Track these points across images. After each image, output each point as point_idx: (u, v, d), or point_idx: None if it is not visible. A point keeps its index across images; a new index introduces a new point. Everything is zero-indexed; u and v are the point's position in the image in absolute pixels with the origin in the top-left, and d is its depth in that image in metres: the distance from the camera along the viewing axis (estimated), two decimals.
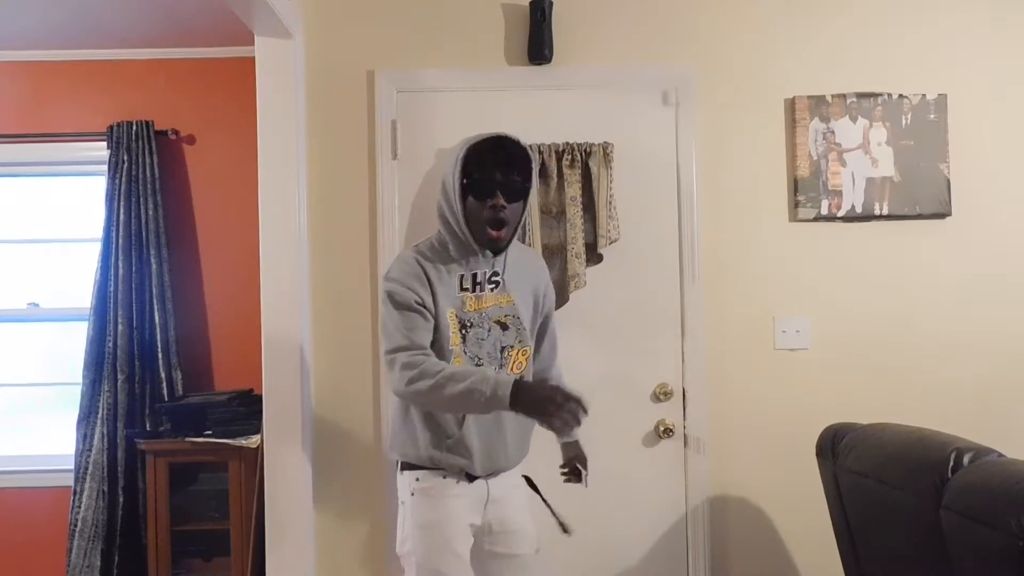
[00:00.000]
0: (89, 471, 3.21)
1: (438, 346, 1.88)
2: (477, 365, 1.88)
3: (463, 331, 1.89)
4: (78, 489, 3.21)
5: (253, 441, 2.92)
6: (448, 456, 1.88)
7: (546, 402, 1.66)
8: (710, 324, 2.64)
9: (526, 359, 1.96)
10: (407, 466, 1.95)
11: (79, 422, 3.25)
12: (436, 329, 1.88)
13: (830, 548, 2.16)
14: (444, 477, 1.90)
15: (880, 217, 2.64)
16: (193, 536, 3.11)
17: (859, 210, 2.63)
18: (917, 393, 2.64)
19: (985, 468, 1.59)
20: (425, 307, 1.87)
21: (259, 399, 2.63)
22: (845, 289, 2.66)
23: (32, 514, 3.38)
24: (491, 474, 1.93)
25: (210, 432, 2.98)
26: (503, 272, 1.95)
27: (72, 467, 3.24)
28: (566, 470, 2.17)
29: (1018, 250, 2.67)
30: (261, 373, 2.54)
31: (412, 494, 1.92)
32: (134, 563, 3.18)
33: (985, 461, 1.62)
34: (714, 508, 2.64)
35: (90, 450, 3.22)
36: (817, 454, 2.17)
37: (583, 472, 2.14)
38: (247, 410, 3.00)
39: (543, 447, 2.15)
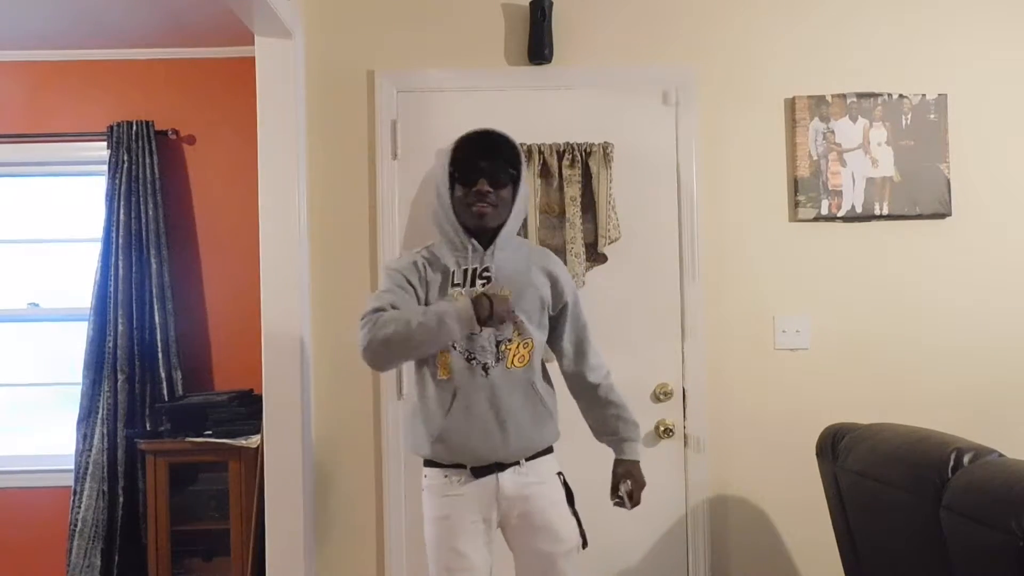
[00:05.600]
0: (89, 471, 3.21)
1: None
2: (468, 360, 1.91)
3: None
4: (78, 489, 3.21)
5: (253, 441, 2.92)
6: (438, 447, 1.92)
7: (504, 312, 1.83)
8: (710, 324, 2.64)
9: (528, 352, 1.95)
10: (424, 462, 2.00)
11: (79, 422, 3.25)
12: None
13: (830, 548, 2.16)
14: (446, 476, 1.94)
15: (880, 217, 2.64)
16: (193, 536, 3.11)
17: (859, 210, 2.63)
18: (917, 393, 2.64)
19: (985, 468, 1.59)
20: (414, 289, 1.95)
21: (259, 399, 2.63)
22: (845, 289, 2.66)
23: (32, 514, 3.38)
24: (497, 467, 1.92)
25: (210, 432, 2.98)
26: (493, 266, 1.95)
27: (72, 467, 3.24)
28: (613, 492, 2.08)
29: (1018, 250, 2.67)
30: (261, 373, 2.54)
31: (423, 490, 2.00)
32: (134, 563, 3.17)
33: (985, 461, 1.62)
34: (714, 508, 2.64)
35: (90, 450, 3.22)
36: (817, 454, 2.17)
37: (625, 496, 2.05)
38: (247, 410, 3.00)
39: (589, 452, 2.11)
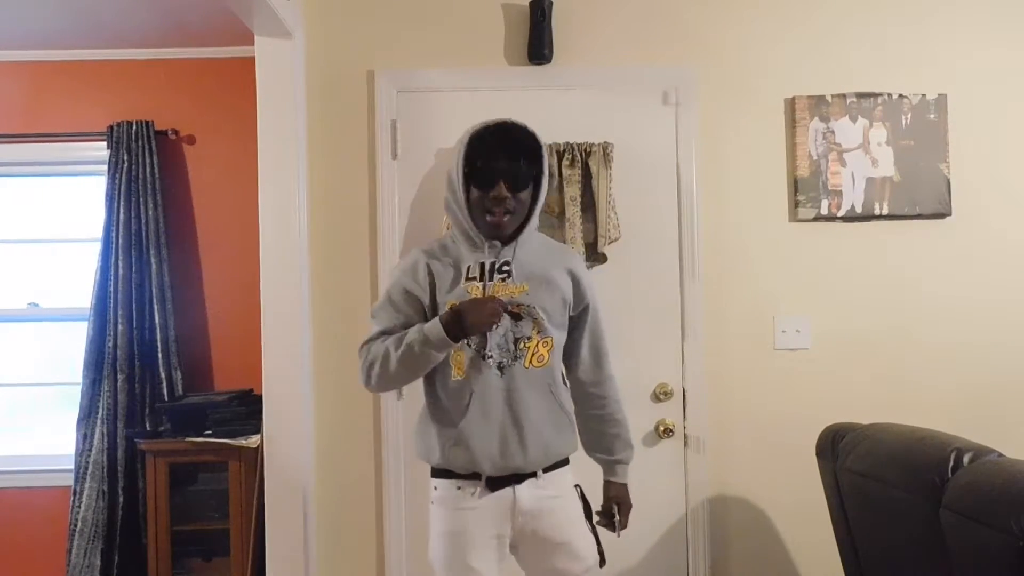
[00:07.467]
0: (89, 471, 3.21)
1: None
2: (484, 358, 1.79)
3: None
4: (78, 489, 3.21)
5: (253, 441, 2.92)
6: (454, 452, 1.80)
7: (482, 321, 1.71)
8: (710, 324, 2.64)
9: (548, 351, 1.83)
10: (432, 472, 1.88)
11: (79, 422, 3.25)
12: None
13: (830, 548, 2.16)
14: (459, 488, 1.82)
15: (880, 217, 2.64)
16: (193, 536, 3.10)
17: (859, 210, 2.63)
18: (917, 393, 2.64)
19: (985, 468, 1.59)
20: (411, 297, 1.85)
21: (259, 399, 2.63)
22: (845, 289, 2.66)
23: (32, 514, 3.38)
24: (514, 479, 1.80)
25: (210, 432, 2.98)
26: (513, 261, 1.82)
27: (72, 467, 3.24)
28: (599, 515, 1.97)
29: (1018, 250, 2.67)
30: (261, 373, 2.54)
31: (432, 503, 1.87)
32: (134, 563, 3.18)
33: (985, 461, 1.62)
34: (714, 508, 2.64)
35: (90, 450, 3.23)
36: (817, 454, 2.17)
37: (617, 519, 1.96)
38: (247, 410, 3.00)
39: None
